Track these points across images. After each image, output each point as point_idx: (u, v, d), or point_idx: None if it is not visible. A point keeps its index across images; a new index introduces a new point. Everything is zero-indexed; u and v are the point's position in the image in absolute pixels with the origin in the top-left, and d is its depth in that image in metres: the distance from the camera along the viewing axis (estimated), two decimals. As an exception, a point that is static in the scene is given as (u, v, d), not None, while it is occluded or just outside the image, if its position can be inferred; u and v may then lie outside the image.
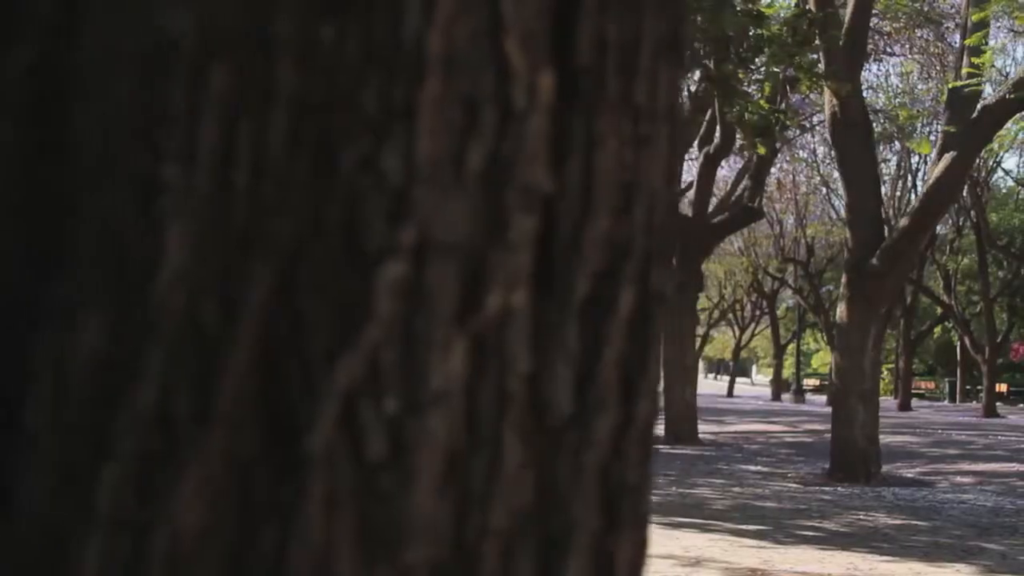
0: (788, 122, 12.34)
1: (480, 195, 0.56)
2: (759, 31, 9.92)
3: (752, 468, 15.32)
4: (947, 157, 13.60)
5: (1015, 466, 15.34)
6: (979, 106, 13.73)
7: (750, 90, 12.38)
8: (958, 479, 14.22)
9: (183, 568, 0.54)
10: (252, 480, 0.54)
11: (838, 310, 14.37)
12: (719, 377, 78.76)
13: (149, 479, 0.54)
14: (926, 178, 15.67)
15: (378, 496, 0.54)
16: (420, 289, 0.55)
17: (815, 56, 12.41)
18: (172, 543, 0.53)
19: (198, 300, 0.54)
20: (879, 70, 30.93)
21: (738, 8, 9.88)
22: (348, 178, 0.55)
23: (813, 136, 31.66)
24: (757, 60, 10.46)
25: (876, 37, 25.45)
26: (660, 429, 20.03)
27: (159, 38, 0.54)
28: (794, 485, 13.32)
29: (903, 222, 14.22)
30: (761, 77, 11.61)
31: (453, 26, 0.55)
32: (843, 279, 14.35)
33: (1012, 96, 13.30)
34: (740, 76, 10.16)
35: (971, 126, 13.58)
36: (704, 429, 20.69)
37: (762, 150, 13.53)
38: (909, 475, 14.55)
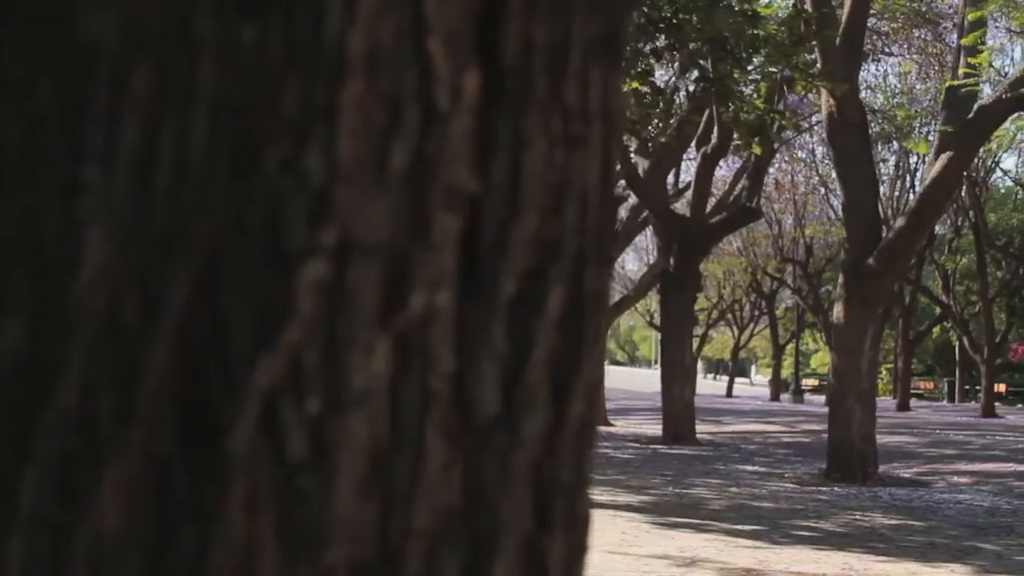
0: (783, 122, 12.33)
1: (403, 195, 0.56)
2: (755, 31, 9.93)
3: (749, 468, 15.32)
4: (944, 157, 13.60)
5: (1012, 466, 15.34)
6: (976, 106, 13.74)
7: (747, 90, 12.39)
8: (955, 479, 14.22)
9: (105, 568, 0.54)
10: (173, 480, 0.54)
11: (835, 310, 14.37)
12: (718, 377, 78.72)
13: (70, 479, 0.54)
14: (923, 178, 15.68)
15: (299, 496, 0.55)
16: (342, 289, 0.55)
17: (811, 56, 12.41)
18: (93, 543, 0.53)
19: (119, 300, 0.54)
20: (877, 70, 30.94)
21: (735, 7, 9.88)
22: (269, 179, 0.55)
23: (812, 136, 31.65)
24: (753, 60, 10.47)
25: (874, 37, 25.47)
26: (658, 429, 20.03)
27: (81, 38, 0.54)
28: (791, 485, 13.32)
29: (900, 222, 14.23)
30: (758, 77, 11.62)
31: (375, 26, 0.55)
32: (840, 279, 14.35)
33: (1009, 96, 13.31)
34: (736, 76, 10.16)
35: (968, 126, 13.59)
36: (702, 429, 20.69)
37: (757, 150, 13.54)
38: (906, 475, 14.56)
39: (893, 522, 10.33)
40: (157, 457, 0.54)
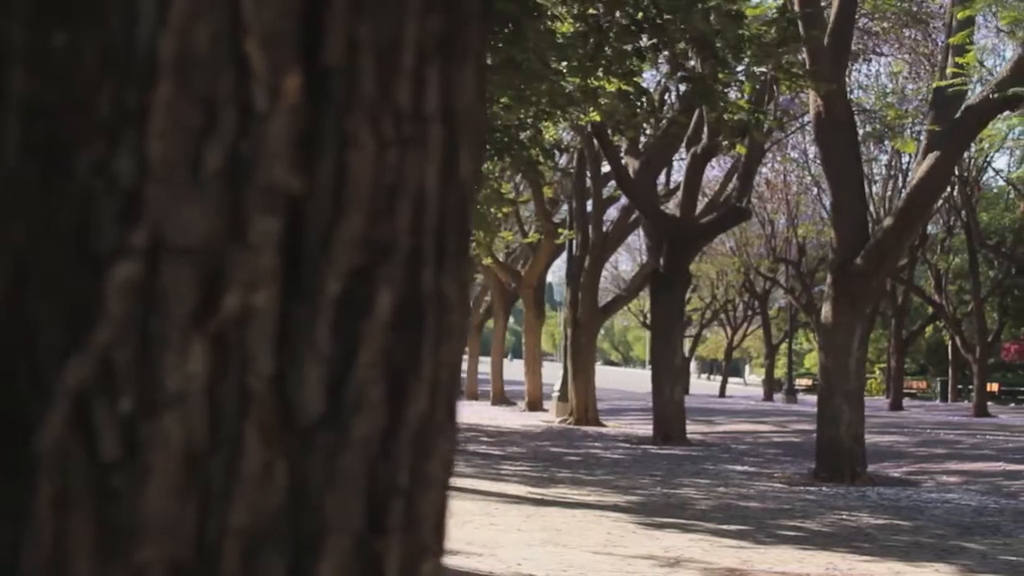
0: (768, 123, 12.35)
1: (219, 196, 0.56)
2: (740, 31, 9.94)
3: (739, 468, 15.33)
4: (931, 157, 13.62)
5: (1002, 465, 15.36)
6: (963, 106, 13.76)
7: (733, 90, 12.40)
8: (944, 478, 14.23)
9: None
10: (-15, 480, 0.54)
11: (823, 310, 14.38)
12: (712, 377, 78.76)
13: None
14: (910, 178, 15.71)
15: (112, 496, 0.55)
16: (155, 290, 0.55)
17: (797, 56, 12.42)
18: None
19: (-71, 302, 0.54)
20: (869, 70, 30.98)
21: (722, 7, 9.88)
22: (81, 181, 0.55)
23: (804, 136, 31.67)
24: (739, 60, 10.47)
25: (865, 37, 25.49)
26: (649, 429, 20.03)
27: None
28: (779, 485, 13.32)
29: (888, 221, 14.25)
30: (742, 78, 11.64)
31: (189, 29, 0.55)
32: (828, 279, 14.36)
33: (996, 95, 13.32)
34: (721, 76, 10.17)
35: (955, 126, 13.61)
36: (693, 429, 20.69)
37: (742, 150, 13.54)
38: (895, 475, 14.56)
39: (880, 522, 10.33)
40: (-34, 458, 0.53)
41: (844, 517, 10.61)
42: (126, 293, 0.55)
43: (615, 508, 10.67)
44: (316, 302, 0.58)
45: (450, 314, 0.65)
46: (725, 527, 9.64)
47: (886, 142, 31.10)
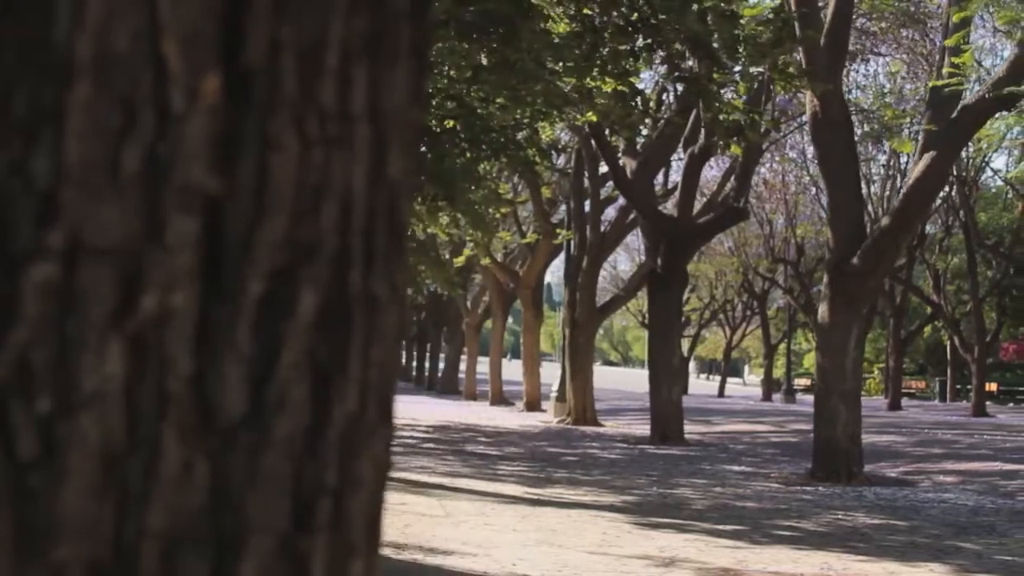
0: (764, 123, 12.34)
1: (137, 197, 0.56)
2: (735, 31, 9.94)
3: (736, 468, 15.33)
4: (928, 156, 13.63)
5: (999, 465, 15.36)
6: (959, 106, 13.76)
7: (729, 90, 12.41)
8: (941, 478, 14.24)
9: None
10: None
11: (820, 310, 14.38)
12: (711, 377, 78.74)
13: None
14: (906, 178, 15.71)
15: (29, 495, 0.55)
16: (72, 291, 0.55)
17: (792, 56, 12.42)
18: None
19: None
20: (866, 70, 31.00)
21: (717, 7, 9.88)
22: (-2, 181, 0.55)
23: (802, 136, 31.67)
24: (733, 60, 10.48)
25: (863, 37, 25.51)
26: (647, 429, 20.03)
27: None
28: (776, 485, 13.33)
29: (884, 221, 14.26)
30: (737, 79, 11.65)
31: (107, 29, 0.55)
32: (824, 279, 14.37)
33: (991, 95, 13.33)
34: (715, 76, 10.17)
35: (951, 125, 13.61)
36: (691, 429, 20.69)
37: (737, 150, 13.54)
38: (892, 475, 14.57)
39: (876, 521, 10.34)
40: None
41: (840, 517, 10.61)
42: (43, 294, 0.55)
43: (611, 508, 10.67)
44: (237, 302, 0.58)
45: (381, 314, 0.65)
46: (721, 527, 9.64)
47: (884, 142, 31.10)
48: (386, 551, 7.73)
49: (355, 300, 0.63)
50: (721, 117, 10.37)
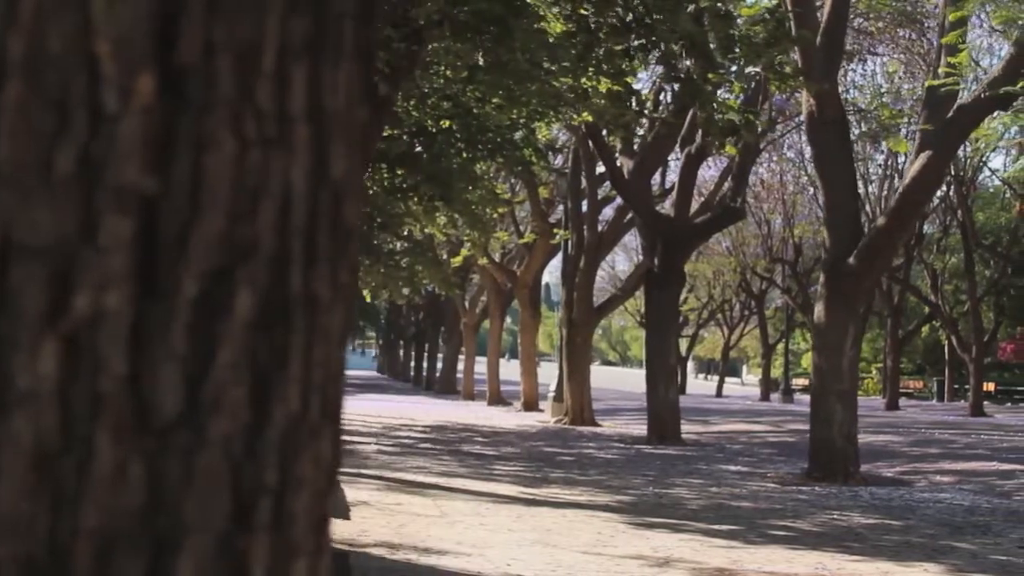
0: (760, 123, 12.35)
1: (71, 197, 0.56)
2: (730, 31, 9.94)
3: (732, 468, 15.33)
4: (924, 156, 13.63)
5: (995, 464, 15.36)
6: (955, 105, 13.77)
7: (725, 90, 12.40)
8: (937, 478, 14.23)
9: None
10: None
11: (816, 310, 14.38)
12: (709, 377, 78.77)
13: None
14: (903, 178, 15.72)
15: (-39, 495, 0.55)
16: (4, 291, 0.55)
17: (787, 55, 12.42)
18: None
19: None
20: (864, 70, 31.00)
21: (712, 7, 9.87)
22: (-71, 182, 0.55)
23: (800, 136, 31.66)
24: (727, 60, 10.47)
25: (860, 37, 25.51)
26: (644, 429, 20.03)
27: None
28: (772, 485, 13.32)
29: (880, 221, 14.26)
30: (731, 79, 11.64)
31: (38, 29, 0.55)
32: (821, 279, 14.37)
33: (987, 95, 13.33)
34: (710, 76, 10.18)
35: (947, 125, 13.61)
36: (688, 429, 20.69)
37: (732, 150, 13.55)
38: (888, 474, 14.57)
39: (871, 521, 10.33)
40: None
41: (835, 517, 10.61)
42: (-26, 294, 0.55)
43: (606, 508, 10.67)
44: (172, 302, 0.59)
45: (323, 315, 0.65)
46: (716, 527, 9.64)
47: (881, 142, 31.11)
48: (381, 551, 7.72)
49: (295, 301, 0.63)
50: (716, 117, 10.36)
